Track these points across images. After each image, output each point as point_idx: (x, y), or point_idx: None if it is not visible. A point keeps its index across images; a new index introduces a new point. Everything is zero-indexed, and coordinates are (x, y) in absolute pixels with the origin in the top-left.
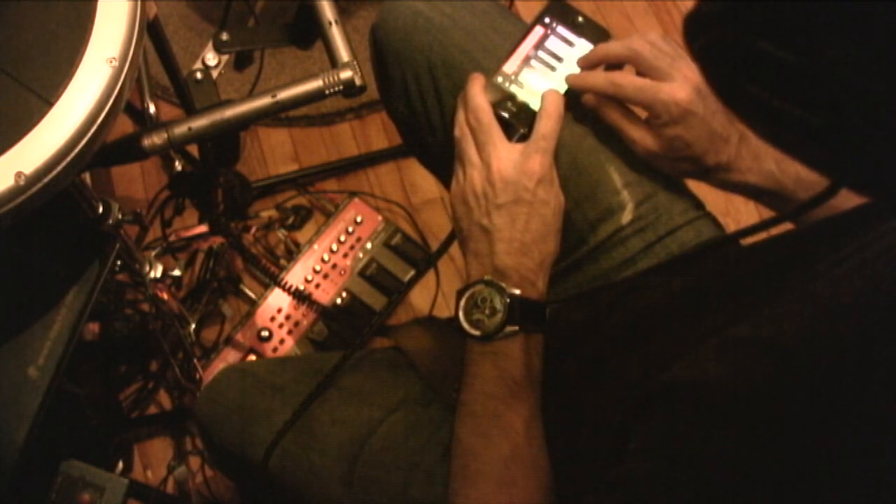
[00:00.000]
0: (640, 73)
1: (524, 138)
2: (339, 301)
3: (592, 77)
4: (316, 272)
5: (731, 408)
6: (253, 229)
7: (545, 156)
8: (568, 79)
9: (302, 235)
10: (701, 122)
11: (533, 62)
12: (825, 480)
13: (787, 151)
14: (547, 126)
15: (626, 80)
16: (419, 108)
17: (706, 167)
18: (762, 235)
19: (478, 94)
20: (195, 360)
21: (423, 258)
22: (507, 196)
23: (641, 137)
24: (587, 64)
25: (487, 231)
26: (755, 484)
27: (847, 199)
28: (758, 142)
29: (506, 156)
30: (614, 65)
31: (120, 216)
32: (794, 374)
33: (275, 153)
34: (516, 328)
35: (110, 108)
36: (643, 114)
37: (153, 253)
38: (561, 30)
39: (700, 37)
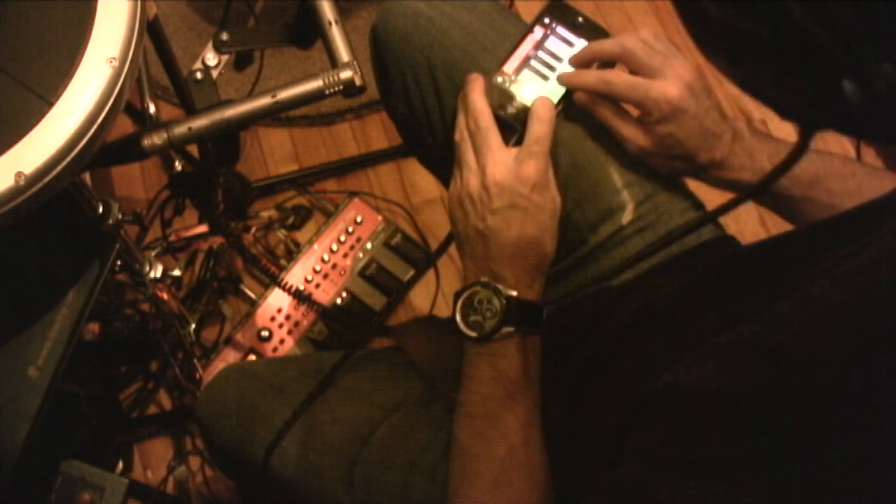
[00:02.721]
0: (632, 71)
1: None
2: (339, 301)
3: (584, 75)
4: (316, 272)
5: (731, 410)
6: (253, 229)
7: (539, 160)
8: (560, 77)
9: (302, 235)
10: (693, 119)
11: (533, 62)
12: (825, 483)
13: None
14: (539, 130)
15: (618, 77)
16: (419, 108)
17: (699, 165)
18: (763, 236)
19: (478, 99)
20: (195, 360)
21: (423, 258)
22: (502, 201)
23: (633, 135)
24: (579, 62)
25: (483, 234)
26: (755, 486)
27: (846, 200)
28: (752, 139)
29: (501, 161)
30: (607, 63)
31: (120, 216)
32: (794, 375)
33: (275, 153)
34: (512, 329)
35: (110, 108)
36: (636, 112)
37: (153, 253)
38: (561, 30)
39: None
